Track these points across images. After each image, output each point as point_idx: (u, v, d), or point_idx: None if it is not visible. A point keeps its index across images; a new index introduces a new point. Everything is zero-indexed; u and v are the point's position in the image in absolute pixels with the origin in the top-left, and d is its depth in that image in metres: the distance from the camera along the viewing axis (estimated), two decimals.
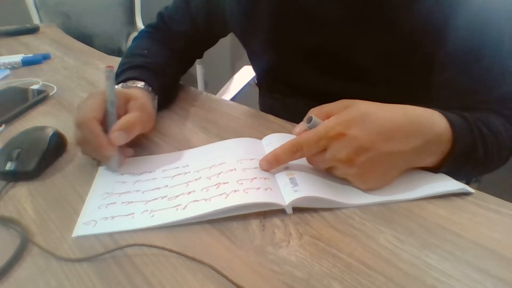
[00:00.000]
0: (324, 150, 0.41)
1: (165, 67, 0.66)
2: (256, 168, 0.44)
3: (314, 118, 0.42)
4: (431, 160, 0.44)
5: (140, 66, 0.62)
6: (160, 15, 0.75)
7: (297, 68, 0.65)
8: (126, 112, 0.49)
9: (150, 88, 0.58)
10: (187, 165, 0.47)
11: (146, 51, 0.67)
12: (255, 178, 0.42)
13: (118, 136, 0.46)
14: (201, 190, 0.42)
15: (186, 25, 0.72)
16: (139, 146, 0.53)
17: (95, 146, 0.45)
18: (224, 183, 0.42)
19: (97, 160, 0.49)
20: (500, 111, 0.49)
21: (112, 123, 0.47)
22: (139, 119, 0.49)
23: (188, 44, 0.73)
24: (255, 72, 0.79)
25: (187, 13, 0.72)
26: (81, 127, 0.45)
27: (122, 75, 0.60)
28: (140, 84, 0.58)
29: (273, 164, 0.44)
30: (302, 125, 0.43)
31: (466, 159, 0.45)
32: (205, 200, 0.40)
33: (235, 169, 0.44)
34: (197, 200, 0.40)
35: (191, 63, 0.78)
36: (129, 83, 0.58)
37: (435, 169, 0.44)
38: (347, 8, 0.55)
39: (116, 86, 0.56)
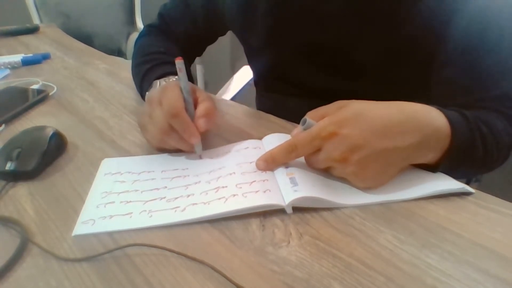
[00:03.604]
0: (319, 150, 0.41)
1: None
2: (255, 171, 0.44)
3: (308, 120, 0.42)
4: (430, 156, 0.43)
5: (171, 62, 0.63)
6: (161, 16, 0.75)
7: (297, 66, 0.65)
8: (195, 101, 0.50)
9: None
10: (187, 168, 0.47)
11: (162, 48, 0.68)
12: (254, 181, 0.42)
13: (203, 122, 0.47)
14: (200, 193, 0.42)
15: (186, 24, 0.72)
16: (139, 145, 0.53)
17: (187, 134, 0.46)
18: (223, 187, 0.42)
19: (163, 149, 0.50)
20: (500, 110, 0.49)
21: (191, 111, 0.48)
22: (214, 106, 0.50)
23: (188, 43, 0.73)
24: (253, 71, 0.79)
25: (187, 12, 0.72)
26: (175, 119, 0.46)
27: (157, 71, 0.61)
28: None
29: (270, 163, 0.44)
30: (299, 127, 0.44)
31: (465, 156, 0.45)
32: (204, 203, 0.40)
33: (234, 173, 0.44)
34: (196, 204, 0.40)
35: (191, 61, 0.78)
36: (170, 77, 0.58)
37: (434, 167, 0.44)
38: (349, 5, 0.55)
39: (158, 81, 0.58)
